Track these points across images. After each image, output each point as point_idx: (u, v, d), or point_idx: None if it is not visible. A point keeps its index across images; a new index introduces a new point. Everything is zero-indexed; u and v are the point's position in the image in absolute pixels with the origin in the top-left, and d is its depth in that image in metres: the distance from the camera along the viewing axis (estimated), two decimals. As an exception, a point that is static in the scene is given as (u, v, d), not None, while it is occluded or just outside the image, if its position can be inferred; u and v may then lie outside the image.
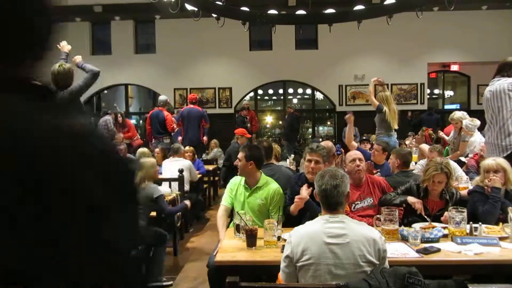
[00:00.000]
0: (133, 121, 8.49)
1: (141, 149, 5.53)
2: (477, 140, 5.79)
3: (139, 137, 8.33)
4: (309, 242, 1.84)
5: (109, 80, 11.43)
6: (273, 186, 3.06)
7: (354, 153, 3.24)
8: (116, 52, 11.58)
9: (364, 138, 7.87)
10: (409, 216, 2.97)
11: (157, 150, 5.86)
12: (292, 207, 2.91)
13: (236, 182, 3.18)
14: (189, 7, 5.26)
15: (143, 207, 3.34)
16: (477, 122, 5.47)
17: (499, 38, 10.57)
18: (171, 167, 5.19)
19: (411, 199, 2.94)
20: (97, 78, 3.64)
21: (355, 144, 4.73)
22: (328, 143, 4.00)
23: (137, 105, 13.23)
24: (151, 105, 11.28)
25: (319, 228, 1.87)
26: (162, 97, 7.64)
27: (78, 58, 3.86)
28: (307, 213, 2.80)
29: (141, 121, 12.73)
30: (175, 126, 7.33)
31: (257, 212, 3.02)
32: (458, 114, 5.63)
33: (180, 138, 7.68)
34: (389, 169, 4.13)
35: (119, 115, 8.09)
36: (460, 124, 5.57)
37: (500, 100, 3.57)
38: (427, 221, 2.85)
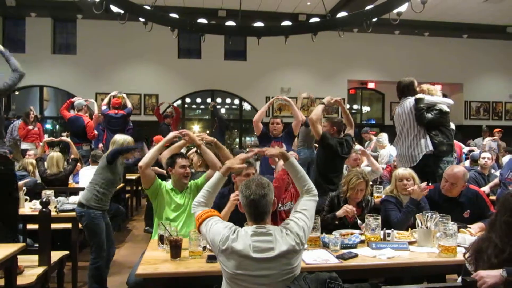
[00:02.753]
0: (48, 126, 7.85)
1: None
2: (387, 153, 6.38)
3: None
4: (237, 258, 1.81)
5: (21, 80, 10.47)
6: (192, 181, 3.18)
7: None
8: (31, 50, 10.66)
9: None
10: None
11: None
12: (223, 214, 2.83)
13: (164, 184, 3.12)
14: (114, 9, 5.02)
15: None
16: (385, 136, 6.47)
17: (408, 60, 11.70)
18: (90, 174, 4.87)
19: (339, 213, 3.05)
20: (23, 78, 3.33)
21: (260, 125, 4.87)
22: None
23: (54, 109, 12.27)
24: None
25: (246, 243, 1.81)
26: (80, 101, 7.17)
27: None
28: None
29: (57, 126, 11.84)
30: (96, 133, 6.94)
31: (186, 213, 3.03)
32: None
33: (101, 145, 7.29)
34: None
35: (31, 113, 7.74)
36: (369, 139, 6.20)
37: (408, 117, 4.00)
38: (346, 227, 3.01)
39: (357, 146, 6.32)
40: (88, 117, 7.03)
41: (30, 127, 7.70)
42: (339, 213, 3.03)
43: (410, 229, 2.98)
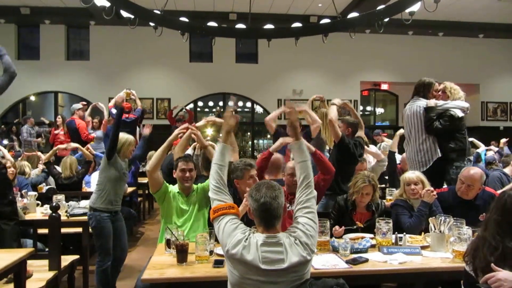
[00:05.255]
0: (61, 132, 7.98)
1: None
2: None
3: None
4: (245, 269, 1.76)
5: (36, 87, 10.70)
6: (199, 184, 3.15)
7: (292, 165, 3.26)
8: (45, 57, 10.87)
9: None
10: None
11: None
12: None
13: (171, 187, 3.08)
14: (125, 14, 5.06)
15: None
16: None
17: (422, 60, 11.51)
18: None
19: (335, 232, 2.90)
20: (14, 79, 3.22)
21: (274, 125, 4.66)
22: (276, 154, 3.94)
23: (69, 114, 12.45)
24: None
25: (256, 254, 1.75)
26: (75, 105, 7.30)
27: None
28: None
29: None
30: (93, 135, 6.97)
31: (193, 218, 3.01)
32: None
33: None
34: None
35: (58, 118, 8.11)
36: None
37: (417, 122, 3.87)
38: (356, 232, 2.94)
39: (372, 147, 6.24)
40: (80, 119, 7.09)
41: (56, 132, 7.88)
42: (335, 232, 2.89)
43: (423, 233, 2.90)
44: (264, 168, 3.35)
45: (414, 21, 5.08)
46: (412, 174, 3.22)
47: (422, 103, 3.89)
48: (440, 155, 3.76)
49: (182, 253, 2.36)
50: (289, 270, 1.74)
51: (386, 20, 4.97)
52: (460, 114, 3.79)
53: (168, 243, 2.56)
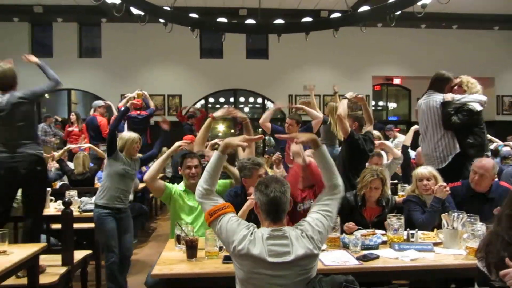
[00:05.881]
0: (75, 129, 8.08)
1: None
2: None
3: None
4: (252, 263, 1.76)
5: (56, 88, 10.82)
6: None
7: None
8: (58, 55, 10.99)
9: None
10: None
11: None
12: (241, 213, 2.77)
13: (176, 186, 3.09)
14: (135, 11, 5.09)
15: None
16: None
17: (436, 54, 11.31)
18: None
19: (347, 229, 2.88)
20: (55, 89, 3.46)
21: (269, 125, 4.72)
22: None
23: (82, 111, 12.61)
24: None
25: (262, 248, 1.75)
26: (96, 102, 7.40)
27: (34, 58, 3.57)
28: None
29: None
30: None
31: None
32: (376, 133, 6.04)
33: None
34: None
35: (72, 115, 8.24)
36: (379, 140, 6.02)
37: (433, 118, 3.76)
38: (367, 227, 2.91)
39: (388, 142, 6.17)
40: (101, 116, 7.18)
41: (70, 129, 8.00)
42: (346, 229, 2.87)
43: (435, 229, 2.86)
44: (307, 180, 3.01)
45: (427, 13, 4.99)
46: (424, 170, 3.17)
47: (438, 97, 3.76)
48: (459, 150, 3.65)
49: (191, 249, 2.37)
50: (295, 263, 1.74)
51: (398, 13, 4.89)
52: (478, 108, 3.68)
53: (178, 239, 2.58)
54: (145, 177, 2.96)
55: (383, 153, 5.01)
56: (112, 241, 3.49)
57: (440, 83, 3.84)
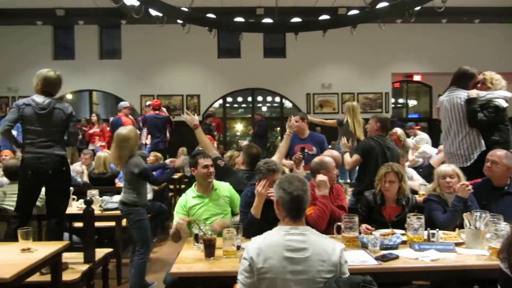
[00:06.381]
0: (96, 130, 8.27)
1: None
2: (427, 150, 6.13)
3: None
4: (268, 254, 1.75)
5: (72, 86, 11.08)
6: (225, 184, 3.22)
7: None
8: (80, 57, 11.25)
9: (330, 146, 7.97)
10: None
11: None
12: (254, 209, 2.75)
13: (185, 199, 3.09)
14: (153, 12, 5.16)
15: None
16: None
17: (457, 49, 11.04)
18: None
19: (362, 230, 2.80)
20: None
21: (287, 162, 4.46)
22: (333, 152, 3.86)
23: (103, 112, 12.87)
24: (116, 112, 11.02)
25: (279, 241, 1.78)
26: (122, 103, 7.59)
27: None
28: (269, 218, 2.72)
29: (108, 128, 12.39)
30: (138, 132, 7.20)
31: (221, 213, 3.05)
32: (399, 131, 5.87)
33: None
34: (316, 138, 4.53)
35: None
36: (402, 138, 5.84)
37: (458, 115, 3.66)
38: (386, 227, 2.87)
39: (409, 141, 6.07)
40: (126, 117, 7.31)
41: (91, 130, 8.19)
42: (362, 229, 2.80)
43: (457, 229, 2.80)
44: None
45: (447, 8, 4.87)
46: (447, 167, 3.10)
47: (462, 94, 3.66)
48: (484, 148, 3.55)
49: (209, 247, 2.38)
50: (313, 261, 1.74)
51: (418, 8, 4.81)
52: (504, 104, 3.59)
53: (196, 238, 2.60)
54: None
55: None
56: (150, 239, 3.63)
57: (463, 79, 3.74)
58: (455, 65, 4.11)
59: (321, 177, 2.88)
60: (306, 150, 4.22)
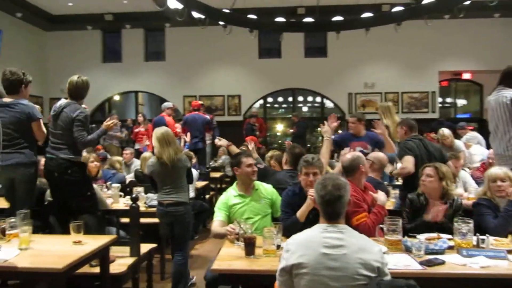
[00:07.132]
0: (142, 129, 8.61)
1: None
2: (477, 152, 5.80)
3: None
4: (305, 251, 1.79)
5: (119, 87, 11.60)
6: (269, 186, 3.24)
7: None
8: (127, 60, 11.72)
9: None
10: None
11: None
12: (300, 213, 2.76)
13: (226, 197, 3.13)
14: (196, 14, 5.28)
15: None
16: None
17: (510, 45, 10.40)
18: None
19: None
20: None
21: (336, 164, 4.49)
22: (378, 154, 3.94)
23: (148, 112, 13.33)
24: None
25: (317, 238, 1.81)
26: (165, 103, 7.86)
27: None
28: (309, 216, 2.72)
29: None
30: (178, 131, 7.39)
31: (262, 214, 3.06)
32: (446, 131, 5.60)
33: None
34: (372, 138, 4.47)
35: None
36: (450, 140, 5.55)
37: (504, 114, 3.49)
38: (432, 230, 2.76)
39: (458, 143, 5.78)
40: (169, 116, 7.53)
41: (137, 130, 8.56)
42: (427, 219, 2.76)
43: (510, 236, 2.64)
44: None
45: (501, 1, 4.62)
46: (499, 170, 2.94)
47: (508, 93, 3.50)
48: None
49: (249, 246, 2.41)
50: (350, 259, 1.74)
51: (467, 3, 4.59)
52: None
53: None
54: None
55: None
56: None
57: (511, 78, 3.56)
58: (508, 62, 3.90)
59: (381, 195, 2.92)
60: (360, 149, 4.25)
